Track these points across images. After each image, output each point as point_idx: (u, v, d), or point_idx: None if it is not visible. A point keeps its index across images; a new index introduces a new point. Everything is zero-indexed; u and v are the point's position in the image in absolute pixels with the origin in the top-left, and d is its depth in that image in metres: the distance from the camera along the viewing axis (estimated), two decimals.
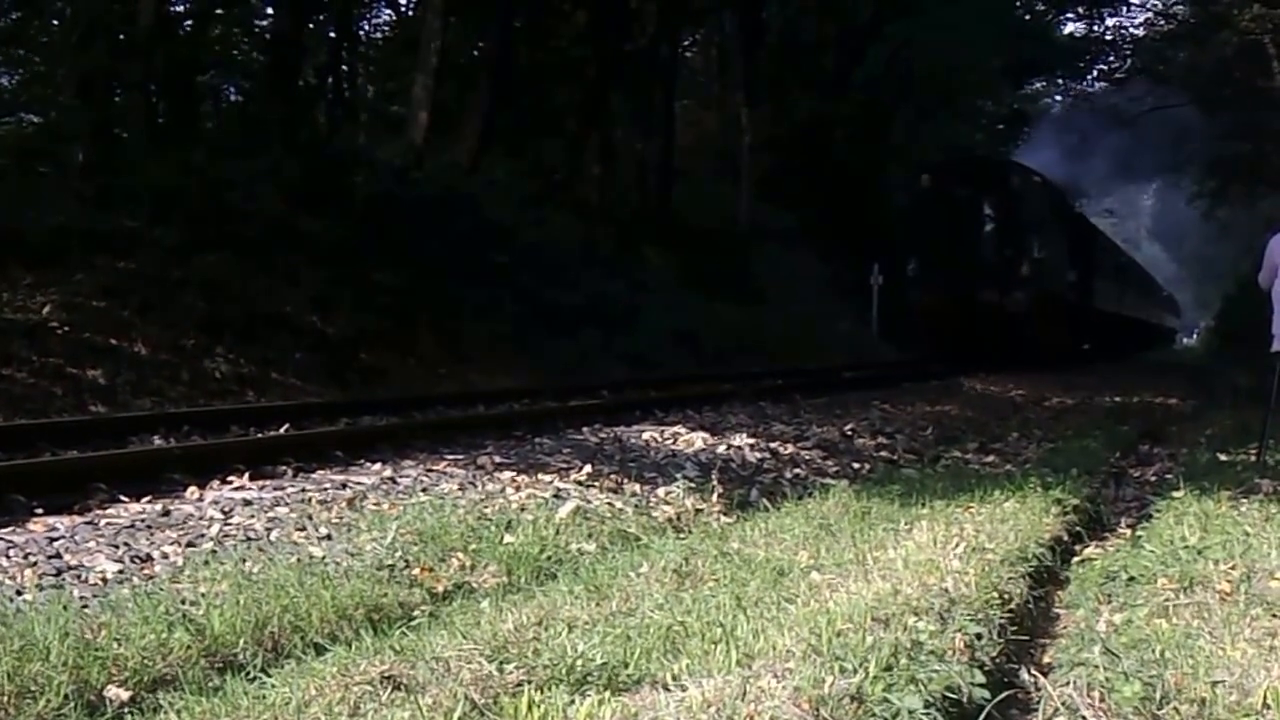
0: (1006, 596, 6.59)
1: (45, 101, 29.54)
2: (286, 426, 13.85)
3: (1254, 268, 14.79)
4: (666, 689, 4.66)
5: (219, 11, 35.75)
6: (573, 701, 4.50)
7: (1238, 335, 43.48)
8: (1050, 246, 36.21)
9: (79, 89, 27.34)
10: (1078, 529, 9.50)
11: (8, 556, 7.29)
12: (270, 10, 33.80)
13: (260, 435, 13.10)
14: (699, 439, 14.09)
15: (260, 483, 10.16)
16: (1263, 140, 46.90)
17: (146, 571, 7.06)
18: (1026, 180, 36.71)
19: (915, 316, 35.83)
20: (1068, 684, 5.45)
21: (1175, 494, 11.01)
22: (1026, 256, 34.61)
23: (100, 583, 6.79)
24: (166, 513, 8.71)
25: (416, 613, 6.54)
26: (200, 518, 8.55)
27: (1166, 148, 58.09)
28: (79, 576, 6.94)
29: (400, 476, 10.61)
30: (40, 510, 8.73)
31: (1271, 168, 45.54)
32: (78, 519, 8.49)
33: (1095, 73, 58.60)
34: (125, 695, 5.14)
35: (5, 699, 4.92)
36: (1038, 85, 66.99)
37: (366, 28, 39.89)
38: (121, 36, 28.71)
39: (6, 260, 19.05)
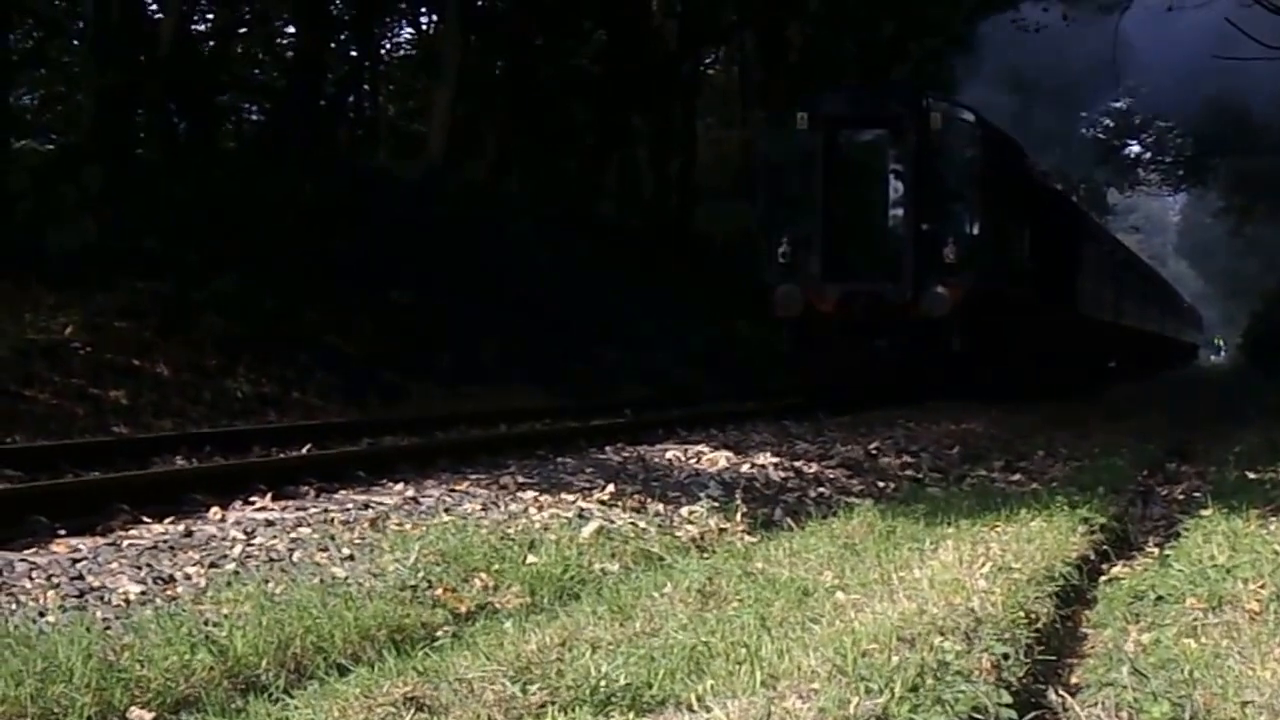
0: (1033, 616, 6.57)
1: (65, 122, 29.62)
2: (308, 446, 13.88)
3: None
4: (691, 710, 4.66)
5: (240, 31, 35.83)
6: None
7: (1265, 351, 43.43)
8: (996, 223, 25.63)
9: (99, 110, 27.40)
10: (1105, 548, 9.47)
11: (31, 578, 7.30)
12: (291, 30, 33.85)
13: (282, 455, 13.12)
14: (722, 458, 14.07)
15: (282, 503, 10.17)
16: None
17: (169, 592, 7.06)
18: (958, 123, 24.69)
19: (782, 325, 25.02)
20: (1095, 704, 5.44)
21: (1203, 512, 10.96)
22: (955, 234, 23.82)
23: (123, 604, 6.79)
24: (189, 533, 8.72)
25: (439, 633, 6.54)
26: (223, 538, 8.55)
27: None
28: (102, 598, 6.94)
29: (423, 496, 10.60)
30: (63, 531, 8.73)
31: None
32: (100, 540, 8.50)
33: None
34: (148, 717, 5.14)
35: None
36: None
37: (387, 46, 39.96)
38: (141, 57, 28.80)
39: (28, 281, 19.11)
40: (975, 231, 24.34)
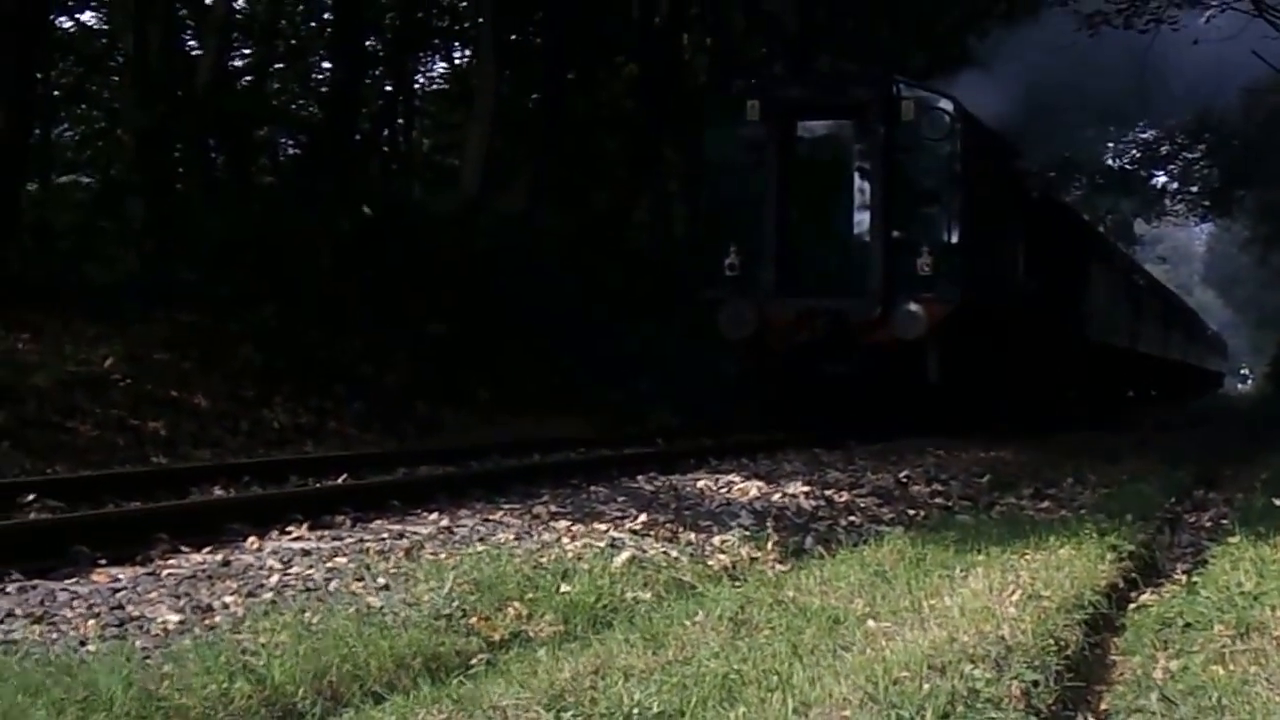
0: (1063, 643, 6.56)
1: (106, 157, 29.74)
2: (344, 476, 13.88)
3: None
4: None
5: (276, 66, 35.98)
6: None
7: None
8: (983, 230, 21.83)
9: (139, 145, 27.54)
10: (1133, 575, 9.45)
11: (72, 607, 7.32)
12: (326, 65, 34.01)
13: (318, 485, 13.14)
14: (753, 487, 14.05)
15: (319, 533, 10.18)
16: None
17: (208, 622, 7.08)
18: (934, 112, 21.00)
19: (731, 346, 21.56)
20: None
21: (1231, 540, 10.96)
22: (932, 243, 20.22)
23: (162, 633, 6.81)
24: (227, 563, 8.73)
25: (474, 662, 6.55)
26: (260, 568, 8.57)
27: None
28: (141, 627, 6.96)
29: (457, 526, 10.61)
30: (103, 561, 8.77)
31: None
32: (140, 570, 8.53)
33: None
34: None
35: None
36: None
37: (420, 80, 40.09)
38: (180, 93, 28.93)
39: (69, 313, 19.18)
40: (956, 239, 20.75)
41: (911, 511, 13.74)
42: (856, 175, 20.75)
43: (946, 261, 20.36)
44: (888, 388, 20.45)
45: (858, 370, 20.33)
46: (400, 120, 38.61)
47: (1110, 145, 58.80)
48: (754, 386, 22.37)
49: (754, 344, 20.83)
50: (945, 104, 21.32)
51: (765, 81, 25.02)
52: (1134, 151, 58.17)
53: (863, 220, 20.67)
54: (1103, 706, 5.90)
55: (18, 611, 7.20)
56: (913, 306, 19.86)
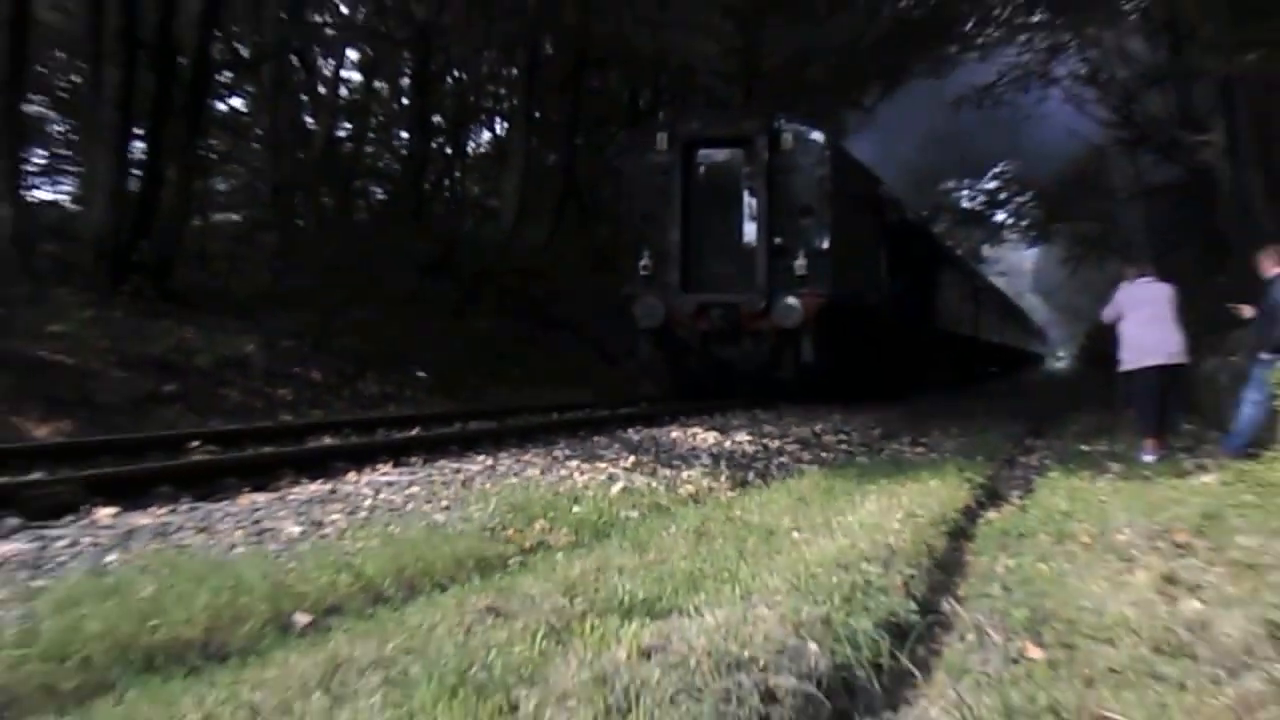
0: (932, 548, 6.57)
1: (247, 202, 29.77)
2: (417, 429, 13.85)
3: (1097, 308, 14.89)
4: (689, 616, 4.65)
5: (370, 135, 35.98)
6: (623, 625, 4.49)
7: (1093, 360, 43.42)
8: (848, 239, 20.49)
9: (271, 193, 27.60)
10: (983, 500, 9.46)
11: (224, 522, 7.32)
12: (404, 134, 33.97)
13: (399, 435, 13.10)
14: (710, 437, 14.04)
15: (399, 469, 10.17)
16: (1106, 222, 47.03)
17: (320, 532, 7.06)
18: (808, 142, 19.84)
19: (644, 333, 19.83)
20: (976, 611, 5.43)
21: (1051, 474, 11.01)
22: (806, 248, 19.17)
23: (288, 540, 6.80)
24: (334, 491, 8.73)
25: (510, 562, 6.54)
26: (357, 494, 8.56)
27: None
28: (273, 536, 6.95)
29: (498, 465, 10.59)
30: (247, 489, 8.80)
31: (1114, 241, 45.37)
32: (272, 495, 8.53)
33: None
34: (307, 619, 5.15)
35: (224, 623, 4.95)
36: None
37: (471, 146, 39.98)
38: (301, 155, 29.01)
39: (221, 314, 19.18)
40: (826, 246, 19.27)
41: (824, 454, 13.73)
42: (745, 193, 19.54)
43: (818, 264, 19.18)
44: (771, 366, 19.57)
45: (747, 352, 19.57)
46: (457, 174, 38.48)
47: (965, 192, 58.93)
48: (665, 366, 20.59)
49: (663, 331, 19.59)
50: (817, 135, 20.04)
51: (672, 117, 23.86)
52: (982, 197, 58.43)
53: (750, 230, 19.52)
54: (960, 593, 5.91)
55: (187, 525, 7.21)
56: (791, 300, 18.79)
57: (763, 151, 19.40)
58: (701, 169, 19.81)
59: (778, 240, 19.20)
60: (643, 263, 19.72)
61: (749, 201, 19.45)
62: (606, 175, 31.67)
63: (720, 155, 19.85)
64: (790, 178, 19.38)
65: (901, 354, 26.59)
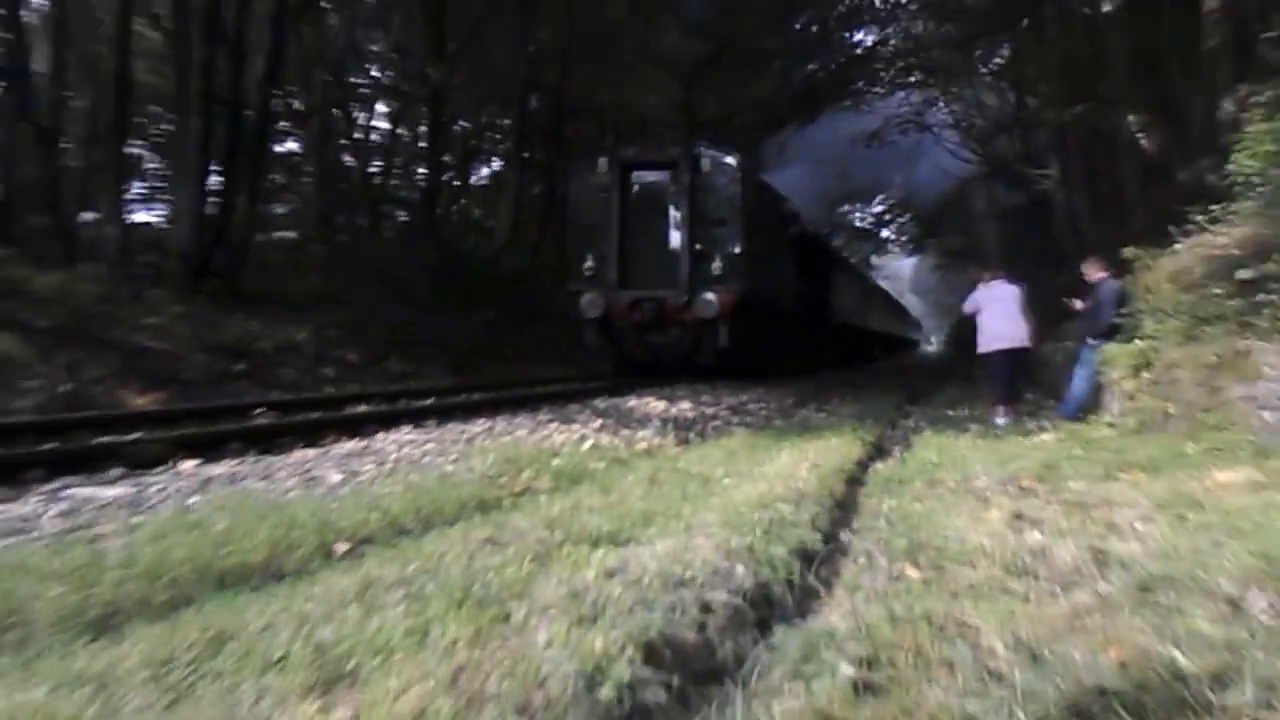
0: (833, 492, 6.57)
1: (300, 222, 29.64)
2: (432, 399, 13.81)
3: (960, 303, 15.00)
4: (644, 545, 4.64)
5: (395, 170, 35.82)
6: (592, 552, 4.48)
7: (957, 345, 43.75)
8: (757, 245, 20.05)
9: (318, 216, 27.48)
10: (872, 454, 9.49)
11: (281, 471, 7.29)
12: (422, 170, 33.82)
13: (418, 404, 13.05)
14: (660, 405, 14.03)
15: (418, 431, 10.12)
16: (968, 237, 47.38)
17: (356, 480, 7.03)
18: (723, 165, 19.43)
19: (588, 322, 19.37)
20: (866, 540, 5.45)
21: (924, 434, 11.05)
22: (721, 252, 18.81)
23: (331, 486, 6.77)
24: (367, 447, 8.69)
25: (504, 503, 6.52)
26: (385, 450, 8.52)
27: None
28: (319, 482, 6.91)
29: (495, 427, 10.56)
30: (299, 446, 8.75)
31: (974, 252, 45.70)
32: (319, 450, 8.49)
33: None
34: (344, 548, 5.12)
35: (281, 551, 4.93)
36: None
37: (474, 178, 39.73)
38: (341, 186, 28.93)
39: (279, 309, 19.11)
40: (738, 250, 18.90)
41: (749, 419, 13.74)
42: (671, 207, 18.97)
43: (732, 265, 18.74)
44: (694, 350, 18.97)
45: (672, 339, 19.01)
46: (463, 201, 38.27)
47: (858, 213, 59.09)
48: (604, 350, 19.73)
49: (603, 321, 19.07)
50: (731, 160, 19.53)
51: (612, 146, 23.09)
52: (871, 217, 58.62)
53: (675, 237, 18.98)
54: (854, 526, 5.92)
55: (253, 474, 7.18)
56: (709, 295, 18.30)
57: (686, 173, 18.95)
58: (636, 188, 19.37)
59: (698, 246, 18.79)
60: (587, 264, 19.27)
61: (674, 214, 19.05)
62: None
63: (651, 176, 19.39)
64: (708, 195, 19.00)
65: (804, 340, 26.21)
